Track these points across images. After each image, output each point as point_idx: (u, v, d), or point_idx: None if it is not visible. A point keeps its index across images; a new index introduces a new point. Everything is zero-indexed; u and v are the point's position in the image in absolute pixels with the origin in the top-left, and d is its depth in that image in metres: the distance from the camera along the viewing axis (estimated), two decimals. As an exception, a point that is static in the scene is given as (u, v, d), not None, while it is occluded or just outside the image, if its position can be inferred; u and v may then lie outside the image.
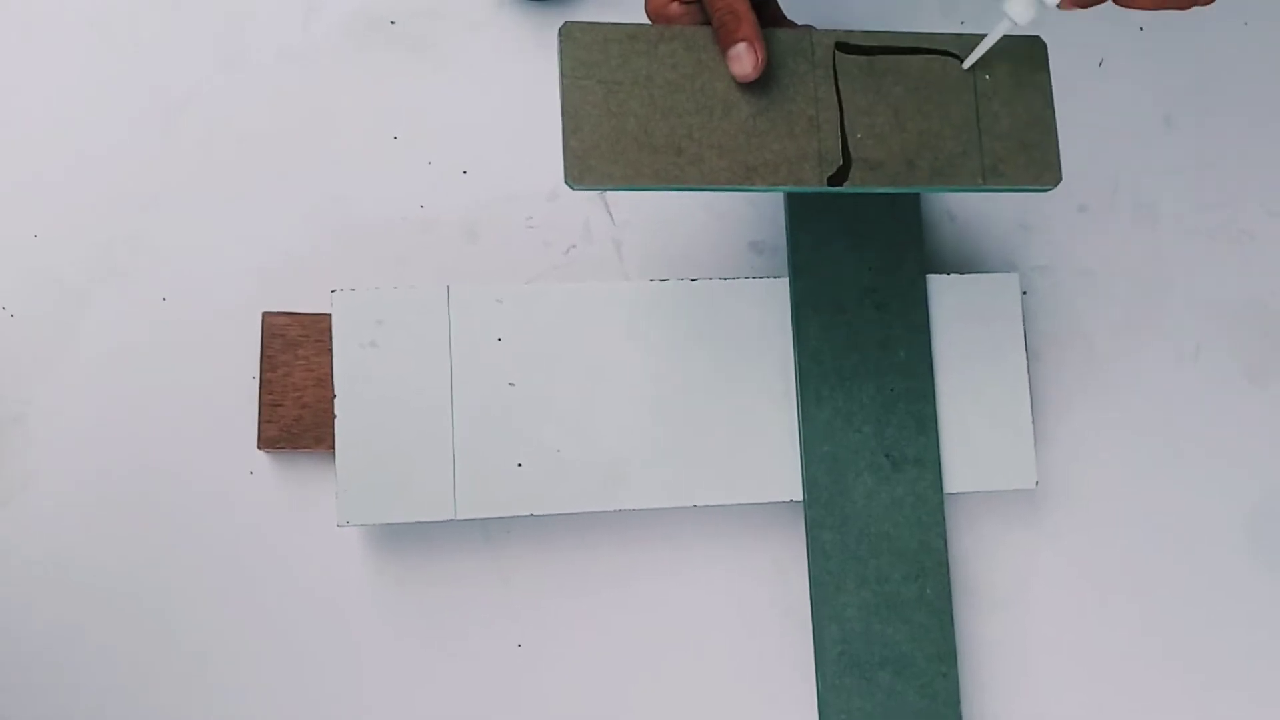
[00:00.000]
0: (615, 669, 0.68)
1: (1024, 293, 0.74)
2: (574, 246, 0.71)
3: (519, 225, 0.71)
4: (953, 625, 0.65)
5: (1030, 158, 0.59)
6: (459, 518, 0.63)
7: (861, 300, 0.67)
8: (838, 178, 0.57)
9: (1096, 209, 0.76)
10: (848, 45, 0.58)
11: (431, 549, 0.68)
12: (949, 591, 0.66)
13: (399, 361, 0.64)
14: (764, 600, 0.69)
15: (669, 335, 0.66)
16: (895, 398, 0.67)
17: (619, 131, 0.55)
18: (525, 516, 0.64)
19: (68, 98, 0.71)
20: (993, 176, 0.58)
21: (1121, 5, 0.53)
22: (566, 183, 0.54)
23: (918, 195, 0.68)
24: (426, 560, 0.68)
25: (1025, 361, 0.69)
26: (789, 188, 0.57)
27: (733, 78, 0.55)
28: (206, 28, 0.72)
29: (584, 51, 0.55)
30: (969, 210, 0.74)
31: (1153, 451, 0.74)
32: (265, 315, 0.66)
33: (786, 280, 0.67)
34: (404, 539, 0.68)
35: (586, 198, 0.72)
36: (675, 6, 0.56)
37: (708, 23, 0.56)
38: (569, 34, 0.55)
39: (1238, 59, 0.78)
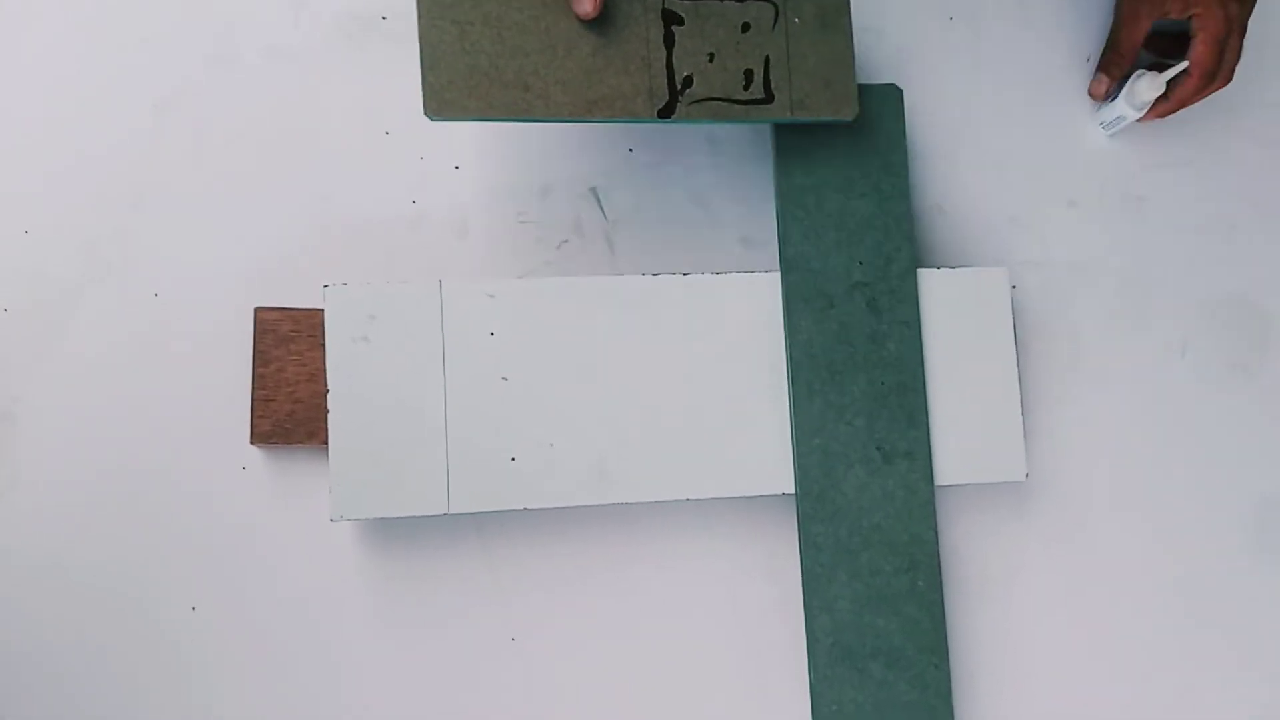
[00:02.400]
0: (608, 661, 0.68)
1: (1013, 287, 0.74)
2: (566, 241, 0.72)
3: (511, 220, 0.72)
4: (943, 616, 0.66)
5: (832, 92, 0.66)
6: (452, 512, 0.63)
7: (852, 294, 0.67)
8: (665, 110, 0.64)
9: (1085, 204, 0.76)
10: None
11: (424, 543, 0.68)
12: (940, 583, 0.66)
13: (392, 356, 0.64)
14: (756, 592, 0.70)
15: (661, 329, 0.66)
16: (886, 391, 0.67)
17: (472, 68, 0.61)
18: (518, 510, 0.64)
19: (59, 95, 0.71)
20: (799, 109, 0.66)
21: (1159, 117, 0.74)
22: (426, 114, 0.60)
23: (907, 190, 0.69)
24: (419, 554, 0.68)
25: (1015, 355, 0.69)
26: (624, 119, 0.63)
27: (576, 19, 0.62)
28: (198, 24, 0.72)
29: None
30: (959, 204, 0.75)
31: (1140, 444, 0.74)
32: (257, 310, 0.66)
33: (778, 275, 0.68)
34: (397, 533, 0.68)
35: (578, 193, 0.72)
36: None
37: None
38: None
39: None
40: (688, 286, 0.67)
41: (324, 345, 0.64)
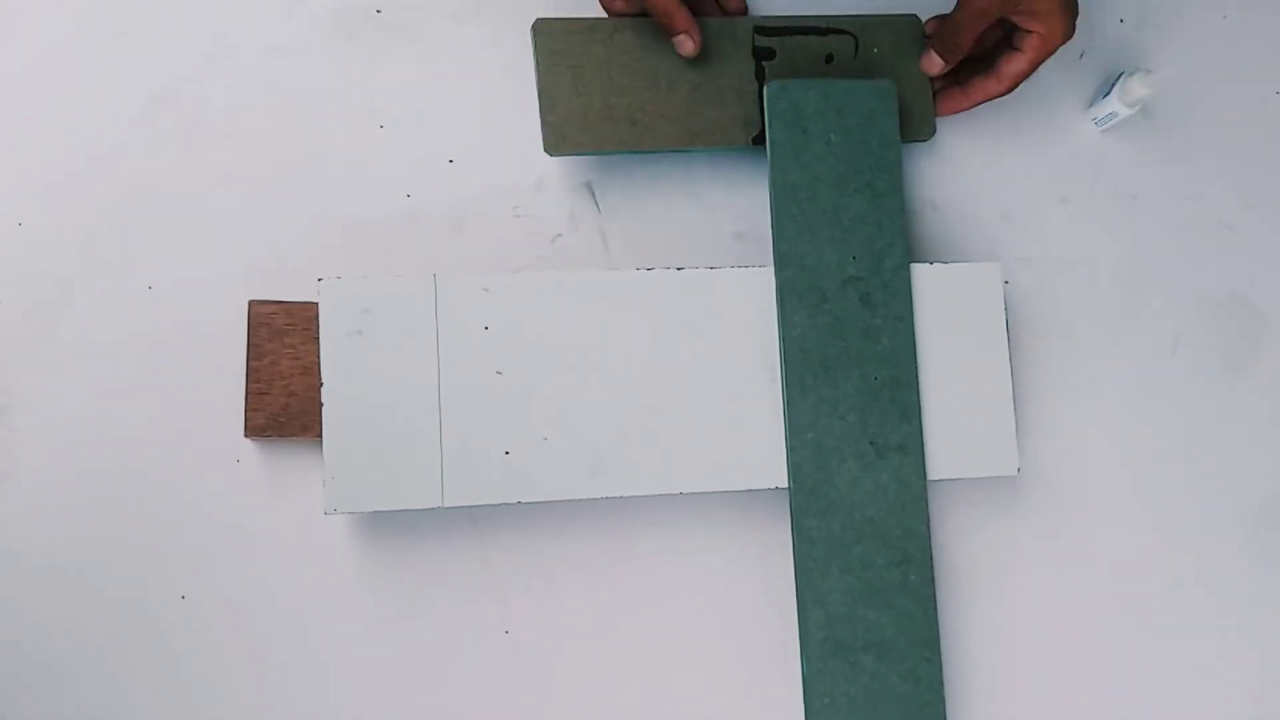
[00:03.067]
0: (602, 654, 0.68)
1: (1006, 283, 0.75)
2: (560, 235, 0.72)
3: (505, 215, 0.72)
4: (936, 610, 0.66)
5: (909, 115, 0.72)
6: (446, 505, 0.63)
7: (845, 290, 0.68)
8: (759, 138, 0.70)
9: (1078, 201, 0.77)
10: (764, 28, 0.71)
11: (418, 537, 0.68)
12: (932, 577, 0.66)
13: (386, 350, 0.64)
14: (749, 586, 0.70)
15: (655, 324, 0.67)
16: (879, 386, 0.67)
17: (585, 108, 0.68)
18: (512, 504, 0.64)
19: (53, 90, 0.71)
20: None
21: (950, 113, 0.73)
22: (545, 151, 0.67)
23: (900, 186, 0.69)
24: (414, 548, 0.68)
25: (1007, 350, 0.69)
26: (724, 148, 0.70)
27: (678, 58, 0.69)
28: (192, 18, 0.72)
29: (553, 42, 0.68)
30: (952, 201, 0.75)
31: (1132, 440, 0.75)
32: (252, 304, 0.66)
33: (771, 269, 0.68)
34: (391, 527, 0.68)
35: (573, 187, 0.72)
36: (618, 3, 0.69)
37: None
38: (540, 29, 0.67)
39: (1217, 51, 0.79)
40: (681, 281, 0.67)
41: (318, 339, 0.64)
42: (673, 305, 0.67)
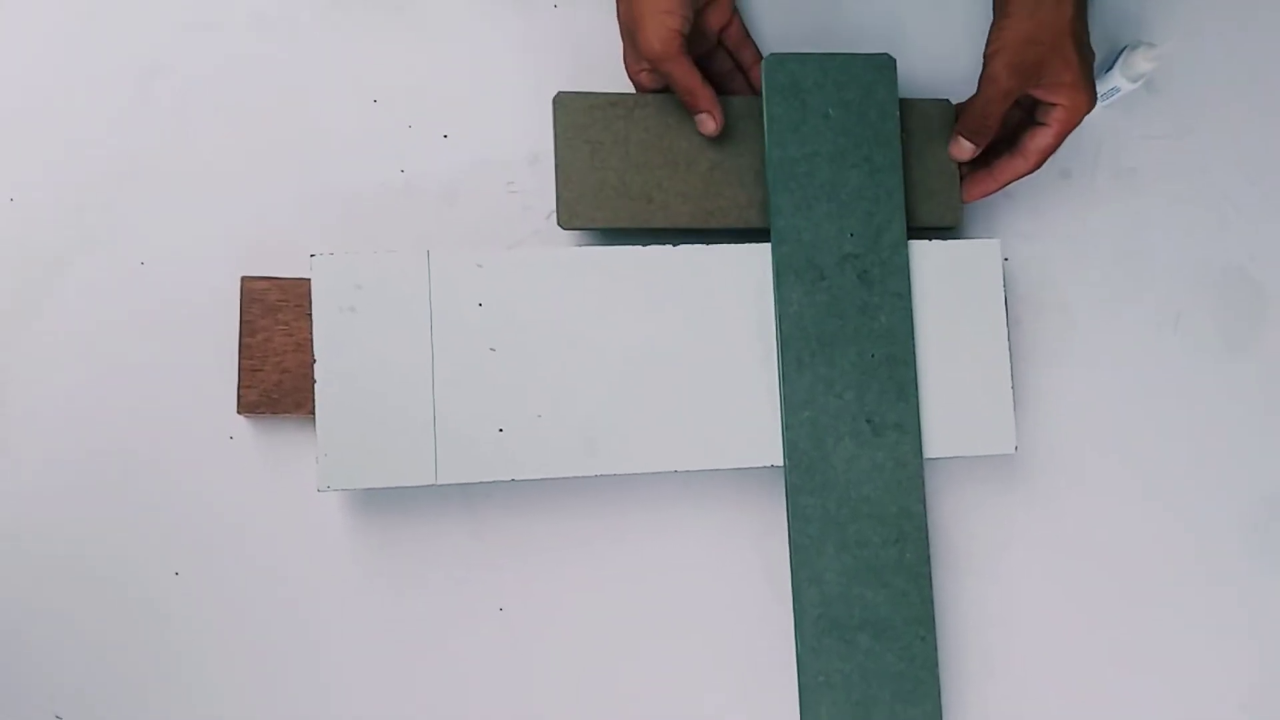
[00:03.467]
0: (597, 632, 0.68)
1: (1005, 259, 0.74)
2: (556, 211, 0.71)
3: (500, 190, 0.71)
4: (931, 589, 0.66)
5: (936, 202, 0.70)
6: (439, 483, 0.63)
7: (843, 266, 0.67)
8: None
9: (1079, 174, 0.76)
10: None
11: (412, 514, 0.68)
12: (927, 556, 0.66)
13: (379, 326, 0.64)
14: (745, 564, 0.70)
15: (650, 301, 0.66)
16: (876, 363, 0.67)
17: (601, 183, 0.67)
18: (506, 481, 0.64)
19: (44, 64, 0.70)
20: (910, 219, 0.69)
21: (980, 197, 0.70)
22: (559, 224, 0.66)
23: (899, 161, 0.68)
24: (407, 525, 0.68)
25: (1006, 328, 0.69)
26: (740, 227, 0.68)
27: (697, 137, 0.68)
28: (183, -11, 0.71)
29: (573, 116, 0.67)
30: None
31: (1131, 417, 0.74)
32: (244, 280, 0.66)
33: (768, 246, 0.67)
34: (385, 504, 0.68)
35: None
36: (645, 76, 0.68)
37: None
38: (561, 102, 0.67)
39: (1221, 25, 0.78)
40: (677, 257, 0.67)
41: (311, 315, 0.64)
42: (669, 282, 0.66)
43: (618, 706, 0.68)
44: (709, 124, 0.67)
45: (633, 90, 0.69)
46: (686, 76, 0.65)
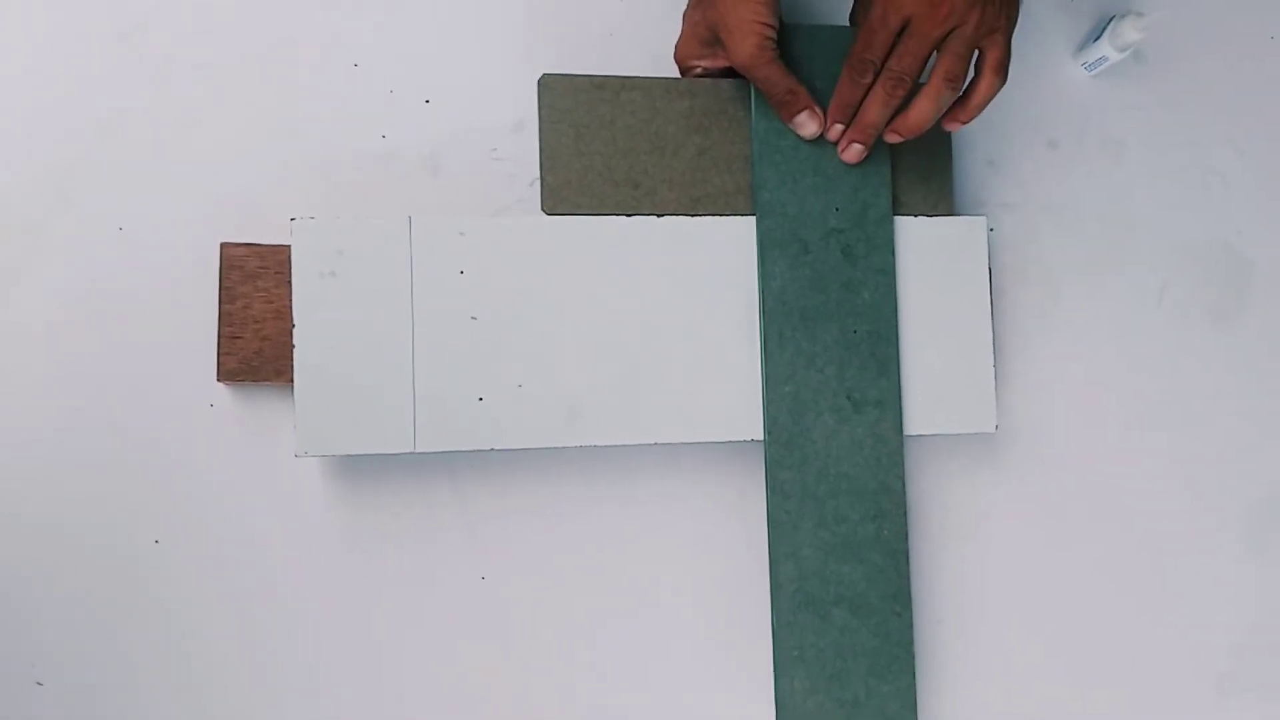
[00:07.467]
0: (577, 601, 0.69)
1: (990, 229, 0.73)
2: (539, 179, 0.70)
3: (483, 157, 0.70)
4: (908, 566, 0.66)
5: (929, 190, 0.69)
6: (418, 451, 0.63)
7: (827, 241, 0.67)
8: None
9: (1065, 145, 0.75)
10: None
11: (393, 482, 0.68)
12: (905, 533, 0.66)
13: (359, 292, 0.63)
14: (723, 537, 0.70)
15: (634, 271, 0.66)
16: (858, 339, 0.66)
17: (587, 169, 0.66)
18: (487, 451, 0.64)
19: (20, 21, 0.69)
20: (898, 206, 0.68)
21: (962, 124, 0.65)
22: (543, 210, 0.65)
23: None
24: (388, 493, 0.68)
25: (990, 307, 0.69)
26: (727, 215, 0.67)
27: (683, 121, 0.66)
28: (163, -53, 0.70)
29: (559, 99, 0.66)
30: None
31: (1114, 393, 0.74)
32: (224, 246, 0.65)
33: (753, 219, 0.67)
34: (366, 471, 0.68)
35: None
36: (696, 65, 0.67)
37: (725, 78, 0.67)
38: (547, 84, 0.66)
39: (1215, -2, 0.77)
40: (662, 228, 0.66)
41: (291, 281, 0.63)
42: (652, 252, 0.66)
43: (598, 675, 0.69)
44: (811, 124, 0.65)
45: (619, 76, 0.67)
46: (784, 79, 0.64)
